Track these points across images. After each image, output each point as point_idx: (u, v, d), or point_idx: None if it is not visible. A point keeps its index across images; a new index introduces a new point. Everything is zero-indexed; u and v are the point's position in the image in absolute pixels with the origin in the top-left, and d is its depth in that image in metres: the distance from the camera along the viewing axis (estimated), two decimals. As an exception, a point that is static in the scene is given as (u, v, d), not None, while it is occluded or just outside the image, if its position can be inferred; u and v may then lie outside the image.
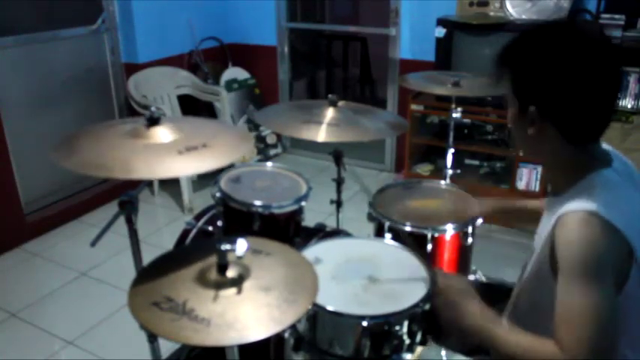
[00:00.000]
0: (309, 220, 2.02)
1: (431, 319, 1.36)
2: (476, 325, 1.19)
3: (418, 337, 1.37)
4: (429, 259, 1.71)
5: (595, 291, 1.02)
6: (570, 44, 1.08)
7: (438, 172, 3.55)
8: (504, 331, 1.15)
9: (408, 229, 1.74)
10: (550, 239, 1.12)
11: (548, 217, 1.17)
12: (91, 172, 1.11)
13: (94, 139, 1.25)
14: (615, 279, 1.04)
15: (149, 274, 1.15)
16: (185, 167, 1.17)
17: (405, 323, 1.33)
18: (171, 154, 1.18)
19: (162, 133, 1.24)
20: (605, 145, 1.21)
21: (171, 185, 3.87)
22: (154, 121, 1.24)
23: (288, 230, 1.93)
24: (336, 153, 2.05)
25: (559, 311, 1.04)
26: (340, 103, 1.91)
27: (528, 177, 3.34)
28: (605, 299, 1.02)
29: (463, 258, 1.89)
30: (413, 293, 1.36)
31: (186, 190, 3.61)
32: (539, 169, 3.29)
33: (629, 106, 3.15)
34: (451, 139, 2.38)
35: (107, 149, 1.19)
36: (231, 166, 2.15)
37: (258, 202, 1.83)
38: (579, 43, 1.08)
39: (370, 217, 1.85)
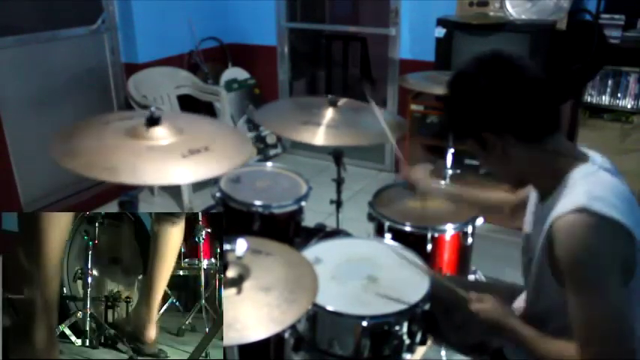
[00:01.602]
0: (309, 220, 2.02)
1: (431, 319, 1.36)
2: (520, 340, 1.21)
3: (418, 337, 1.37)
4: (429, 259, 1.71)
5: (606, 291, 1.03)
6: (473, 73, 1.15)
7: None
8: (542, 340, 1.17)
9: (407, 229, 1.75)
10: (547, 247, 1.12)
11: (540, 225, 1.17)
12: (97, 175, 1.10)
13: (94, 138, 1.24)
14: (622, 268, 1.04)
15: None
16: (191, 173, 1.17)
17: (405, 323, 1.33)
18: (176, 157, 1.17)
19: (163, 134, 1.24)
20: (585, 149, 1.21)
21: (171, 185, 3.87)
22: (153, 121, 1.24)
23: (288, 230, 1.93)
24: (336, 153, 2.05)
25: (575, 316, 1.05)
26: (340, 102, 1.91)
27: (528, 177, 3.34)
28: (616, 296, 1.03)
29: (463, 258, 1.89)
30: (413, 293, 1.36)
31: (186, 190, 3.61)
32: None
33: (629, 106, 3.15)
34: (451, 139, 2.38)
35: (109, 150, 1.18)
36: (231, 166, 2.14)
37: (258, 202, 1.83)
38: (504, 61, 1.14)
39: (370, 217, 1.85)
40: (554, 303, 1.18)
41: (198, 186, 3.71)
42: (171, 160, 1.17)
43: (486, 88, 1.12)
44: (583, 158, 1.16)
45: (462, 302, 1.31)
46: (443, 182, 2.11)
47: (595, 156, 1.18)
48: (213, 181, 1.96)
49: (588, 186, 1.08)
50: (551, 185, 1.16)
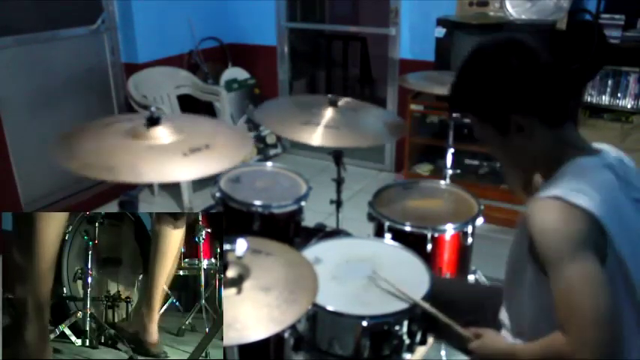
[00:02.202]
0: (309, 220, 2.02)
1: (431, 319, 1.36)
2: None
3: (418, 337, 1.37)
4: (429, 259, 1.71)
5: (582, 266, 1.01)
6: (502, 52, 1.14)
7: (438, 172, 3.55)
8: (527, 348, 1.17)
9: (407, 229, 1.75)
10: (523, 231, 1.14)
11: None
12: (97, 175, 1.10)
13: (94, 139, 1.24)
14: (595, 253, 1.04)
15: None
16: (192, 171, 1.17)
17: (405, 323, 1.33)
18: (177, 155, 1.17)
19: (163, 134, 1.24)
20: (602, 145, 1.21)
21: (171, 185, 3.87)
22: (153, 122, 1.24)
23: (288, 230, 1.93)
24: (336, 153, 2.05)
25: (555, 295, 1.05)
26: (340, 102, 1.91)
27: (528, 177, 3.34)
28: (594, 271, 1.01)
29: (463, 258, 1.89)
30: (413, 293, 1.36)
31: (186, 190, 3.61)
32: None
33: (629, 106, 3.15)
34: (451, 139, 2.38)
35: (110, 150, 1.18)
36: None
37: (258, 202, 1.83)
38: (522, 44, 1.13)
39: (370, 217, 1.85)
40: (526, 288, 1.18)
41: (198, 186, 3.71)
42: (172, 158, 1.17)
43: (519, 68, 1.11)
44: (588, 152, 1.15)
45: (463, 339, 1.31)
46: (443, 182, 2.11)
47: (608, 152, 1.17)
48: (213, 181, 1.96)
49: (573, 179, 1.08)
50: (550, 174, 1.16)
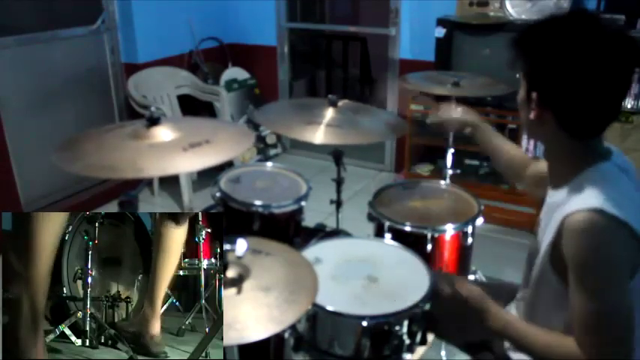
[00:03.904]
0: (309, 220, 2.02)
1: (431, 318, 1.36)
2: (502, 327, 1.21)
3: (418, 337, 1.37)
4: (429, 259, 1.71)
5: (611, 294, 1.03)
6: (587, 36, 1.05)
7: (438, 172, 3.55)
8: (531, 329, 1.17)
9: (407, 229, 1.74)
10: (555, 241, 1.12)
11: (550, 213, 1.17)
12: (99, 174, 1.10)
13: (96, 142, 1.24)
14: (629, 273, 1.05)
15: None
16: (192, 163, 1.16)
17: (405, 323, 1.33)
18: (177, 150, 1.17)
19: (163, 133, 1.24)
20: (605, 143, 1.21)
21: (171, 185, 3.87)
22: (153, 121, 1.24)
23: (288, 230, 1.93)
24: (336, 153, 2.05)
25: (579, 313, 1.05)
26: (340, 103, 1.91)
27: (528, 177, 3.34)
28: (621, 300, 1.03)
29: (463, 258, 1.89)
30: (413, 293, 1.36)
31: (186, 190, 3.61)
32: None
33: (629, 106, 3.15)
34: (451, 139, 2.38)
35: (111, 151, 1.18)
36: (231, 166, 2.15)
37: (258, 202, 1.83)
38: (597, 37, 1.05)
39: (370, 217, 1.85)
40: (551, 300, 1.18)
41: (198, 186, 3.71)
42: (172, 153, 1.17)
43: (574, 59, 1.05)
44: (605, 155, 1.15)
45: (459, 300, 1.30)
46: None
47: (617, 155, 1.17)
48: (213, 182, 1.96)
49: (605, 187, 1.07)
50: (565, 174, 1.15)
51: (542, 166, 1.36)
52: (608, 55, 1.04)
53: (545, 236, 1.16)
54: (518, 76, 1.17)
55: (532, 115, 1.13)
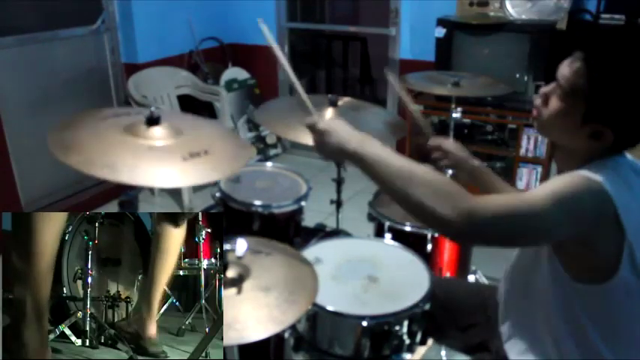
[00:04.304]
0: (309, 220, 2.02)
1: (431, 318, 1.36)
2: (359, 147, 1.17)
3: (418, 337, 1.37)
4: (429, 259, 1.71)
5: (551, 209, 0.98)
6: None
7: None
8: (396, 156, 1.12)
9: (408, 229, 1.75)
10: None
11: None
12: (96, 172, 1.10)
13: (92, 132, 1.22)
14: (577, 228, 1.02)
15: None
16: (190, 178, 1.14)
17: (405, 323, 1.33)
18: (176, 160, 1.15)
19: (163, 134, 1.22)
20: None
21: (171, 185, 3.87)
22: (153, 121, 1.23)
23: (288, 230, 1.93)
24: (336, 153, 2.05)
25: (516, 193, 1.03)
26: (341, 102, 1.91)
27: (528, 177, 3.34)
28: (549, 220, 0.99)
29: (463, 258, 1.89)
30: (413, 293, 1.36)
31: (186, 190, 3.61)
32: (539, 168, 3.29)
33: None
34: (451, 139, 2.38)
35: (109, 147, 1.17)
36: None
37: (258, 202, 1.83)
38: None
39: (370, 217, 1.85)
40: (535, 277, 1.17)
41: (199, 186, 3.71)
42: (172, 162, 1.16)
43: None
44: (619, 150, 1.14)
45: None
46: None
47: (630, 158, 1.16)
48: (214, 182, 1.96)
49: (610, 173, 1.05)
50: (577, 167, 1.13)
51: None
52: None
53: None
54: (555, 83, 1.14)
55: (586, 130, 1.10)
